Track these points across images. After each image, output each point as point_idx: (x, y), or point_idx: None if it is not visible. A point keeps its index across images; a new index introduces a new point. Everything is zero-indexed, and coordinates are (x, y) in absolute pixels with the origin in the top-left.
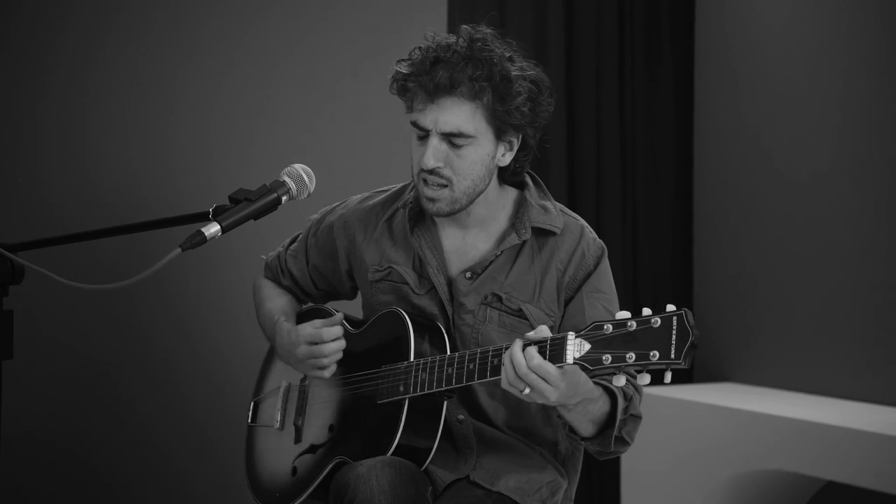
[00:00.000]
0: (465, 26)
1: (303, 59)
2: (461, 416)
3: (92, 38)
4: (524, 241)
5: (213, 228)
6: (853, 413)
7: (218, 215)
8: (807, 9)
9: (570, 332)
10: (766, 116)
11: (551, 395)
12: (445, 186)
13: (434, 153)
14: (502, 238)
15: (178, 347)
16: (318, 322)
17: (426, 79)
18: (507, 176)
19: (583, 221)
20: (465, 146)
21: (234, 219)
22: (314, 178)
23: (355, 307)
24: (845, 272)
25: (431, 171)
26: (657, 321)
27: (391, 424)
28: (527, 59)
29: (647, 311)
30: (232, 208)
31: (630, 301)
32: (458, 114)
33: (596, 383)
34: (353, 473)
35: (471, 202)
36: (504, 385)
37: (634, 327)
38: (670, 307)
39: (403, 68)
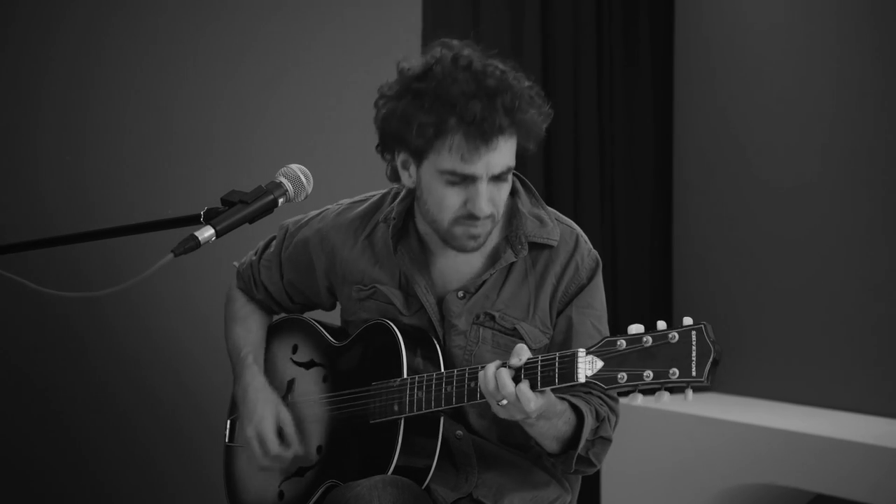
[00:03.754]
0: (451, 49)
1: (297, 59)
2: (460, 432)
3: (87, 39)
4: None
5: (207, 232)
6: (845, 424)
7: (210, 218)
8: (793, 5)
9: (581, 349)
10: (749, 117)
11: (527, 406)
12: (490, 224)
13: (489, 199)
14: (496, 254)
15: (165, 353)
16: (288, 429)
17: (477, 122)
18: None
19: (578, 229)
20: (506, 180)
21: (229, 222)
22: (312, 179)
23: (333, 316)
24: (833, 278)
25: (481, 217)
26: (675, 336)
27: (387, 445)
28: (516, 66)
29: (662, 325)
30: (226, 211)
31: (609, 311)
32: (506, 152)
33: (560, 398)
34: (351, 494)
35: None
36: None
37: (650, 343)
38: (687, 320)
39: (424, 116)
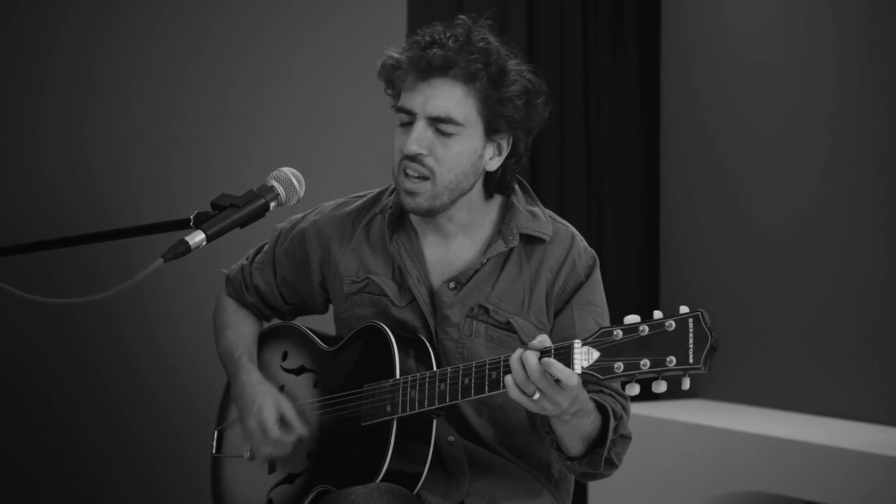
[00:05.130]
0: (464, 17)
1: (284, 60)
2: (451, 438)
3: (83, 42)
4: (511, 249)
5: (197, 237)
6: (836, 431)
7: (200, 223)
8: (778, 12)
9: (577, 340)
10: (735, 114)
11: (563, 402)
12: (427, 179)
13: (418, 138)
14: (488, 245)
15: (161, 355)
16: (289, 413)
17: (419, 56)
18: (493, 186)
19: (573, 229)
20: (452, 135)
21: (219, 226)
22: (304, 182)
23: (326, 322)
24: (825, 283)
25: (413, 158)
26: (671, 324)
27: (378, 448)
28: (525, 63)
29: (658, 314)
30: (216, 215)
31: None
32: (448, 97)
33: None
34: (346, 503)
35: (452, 202)
36: (512, 392)
37: (647, 332)
38: (684, 308)
39: (395, 52)
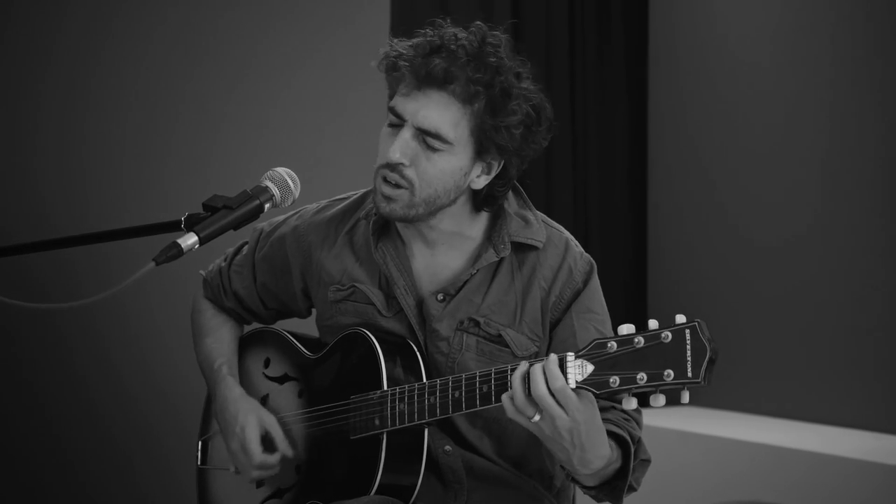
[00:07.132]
0: (480, 23)
1: (279, 60)
2: (448, 447)
3: (82, 44)
4: (502, 257)
5: (190, 240)
6: (831, 439)
7: (192, 225)
8: (770, 13)
9: (570, 353)
10: (724, 114)
11: (563, 425)
12: (405, 188)
13: (402, 146)
14: (478, 254)
15: (145, 359)
16: (274, 431)
17: (420, 62)
18: (479, 203)
19: (567, 234)
20: (439, 151)
21: (213, 229)
22: (299, 182)
23: (308, 325)
24: (818, 287)
25: (394, 168)
26: (668, 335)
27: (369, 462)
28: (535, 83)
29: (654, 324)
30: (209, 217)
31: None
32: (442, 112)
33: (609, 433)
34: None
35: (429, 214)
36: (509, 411)
37: (642, 344)
38: (680, 318)
39: (399, 47)
